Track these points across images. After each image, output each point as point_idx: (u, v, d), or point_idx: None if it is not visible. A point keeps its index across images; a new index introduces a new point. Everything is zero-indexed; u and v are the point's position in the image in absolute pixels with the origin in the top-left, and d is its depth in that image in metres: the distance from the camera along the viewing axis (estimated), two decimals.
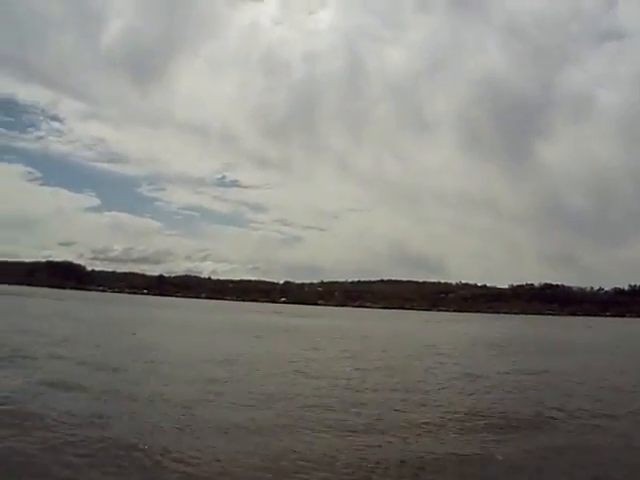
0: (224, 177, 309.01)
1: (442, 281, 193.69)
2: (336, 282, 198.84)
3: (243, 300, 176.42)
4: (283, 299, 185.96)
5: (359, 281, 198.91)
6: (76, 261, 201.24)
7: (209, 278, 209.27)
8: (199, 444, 11.05)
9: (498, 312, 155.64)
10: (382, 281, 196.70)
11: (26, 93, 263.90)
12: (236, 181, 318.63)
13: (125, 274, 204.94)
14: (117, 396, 14.76)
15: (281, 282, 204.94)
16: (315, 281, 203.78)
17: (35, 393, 14.40)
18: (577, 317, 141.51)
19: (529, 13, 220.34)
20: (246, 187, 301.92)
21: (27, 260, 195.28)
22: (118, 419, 12.48)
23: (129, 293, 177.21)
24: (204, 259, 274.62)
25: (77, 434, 11.08)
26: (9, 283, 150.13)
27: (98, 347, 25.37)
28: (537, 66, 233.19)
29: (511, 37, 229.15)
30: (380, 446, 11.70)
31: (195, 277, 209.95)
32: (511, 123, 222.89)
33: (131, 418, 12.70)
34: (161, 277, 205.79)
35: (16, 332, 28.65)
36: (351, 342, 39.55)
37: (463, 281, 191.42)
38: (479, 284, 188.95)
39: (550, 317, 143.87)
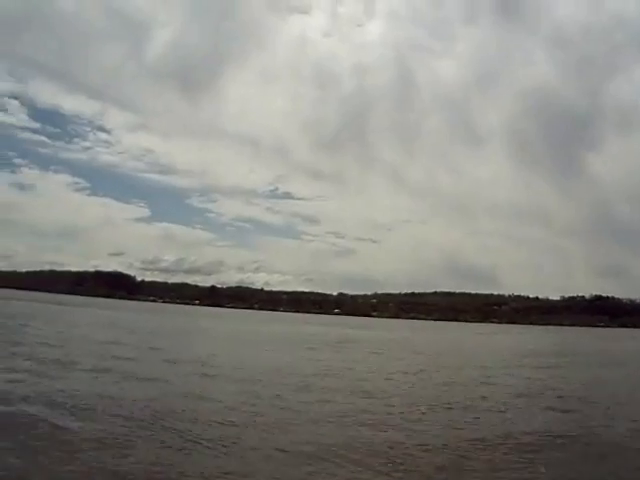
0: (276, 189, 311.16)
1: (494, 293, 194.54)
2: (390, 294, 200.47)
3: (297, 311, 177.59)
4: (337, 310, 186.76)
5: (412, 293, 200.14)
6: (126, 271, 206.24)
7: (262, 289, 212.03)
8: (244, 468, 10.85)
9: (549, 324, 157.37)
10: (435, 293, 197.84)
11: (72, 104, 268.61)
12: (289, 193, 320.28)
13: (176, 284, 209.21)
14: (161, 413, 14.66)
15: (335, 294, 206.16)
16: (369, 293, 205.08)
17: (69, 407, 14.41)
18: (627, 329, 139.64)
19: (574, 23, 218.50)
20: (299, 199, 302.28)
21: (75, 269, 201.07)
22: (159, 438, 12.43)
23: (180, 304, 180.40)
24: (257, 270, 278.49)
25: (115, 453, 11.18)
26: (57, 292, 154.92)
27: (144, 361, 25.75)
28: (584, 77, 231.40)
29: (558, 48, 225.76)
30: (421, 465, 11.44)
31: (248, 288, 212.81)
32: (560, 134, 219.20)
33: (177, 435, 12.60)
34: (213, 288, 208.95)
35: (62, 341, 29.42)
36: (408, 355, 39.20)
37: (515, 293, 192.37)
38: (531, 296, 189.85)
39: (601, 329, 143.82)
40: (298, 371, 25.13)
